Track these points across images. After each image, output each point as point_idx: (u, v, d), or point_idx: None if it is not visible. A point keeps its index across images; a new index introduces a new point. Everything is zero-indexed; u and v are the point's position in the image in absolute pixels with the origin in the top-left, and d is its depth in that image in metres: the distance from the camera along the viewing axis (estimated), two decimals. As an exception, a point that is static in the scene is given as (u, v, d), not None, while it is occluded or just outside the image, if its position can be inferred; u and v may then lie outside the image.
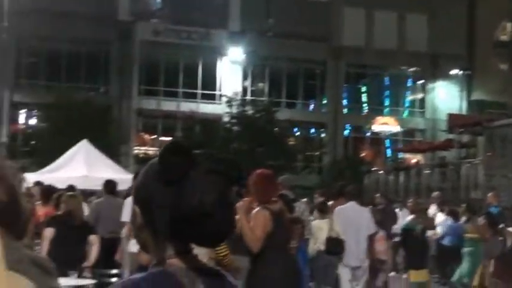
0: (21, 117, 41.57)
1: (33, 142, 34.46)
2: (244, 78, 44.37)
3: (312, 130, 46.73)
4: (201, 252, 1.95)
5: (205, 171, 1.90)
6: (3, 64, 36.96)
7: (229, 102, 37.32)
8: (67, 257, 7.67)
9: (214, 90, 43.61)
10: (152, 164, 1.99)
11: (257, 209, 6.45)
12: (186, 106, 39.66)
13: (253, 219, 6.40)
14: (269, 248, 6.32)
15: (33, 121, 39.85)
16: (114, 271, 9.75)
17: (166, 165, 1.90)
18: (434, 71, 45.98)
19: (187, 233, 1.90)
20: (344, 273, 10.44)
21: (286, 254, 6.50)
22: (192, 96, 42.91)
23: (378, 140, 45.15)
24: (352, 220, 10.23)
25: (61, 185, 12.97)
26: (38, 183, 13.26)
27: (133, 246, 8.97)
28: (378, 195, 20.32)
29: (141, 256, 6.25)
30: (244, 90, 43.35)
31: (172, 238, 1.92)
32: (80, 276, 7.99)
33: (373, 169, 34.56)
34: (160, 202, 1.90)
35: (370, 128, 44.52)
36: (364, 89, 47.54)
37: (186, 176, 1.88)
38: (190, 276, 1.90)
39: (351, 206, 10.36)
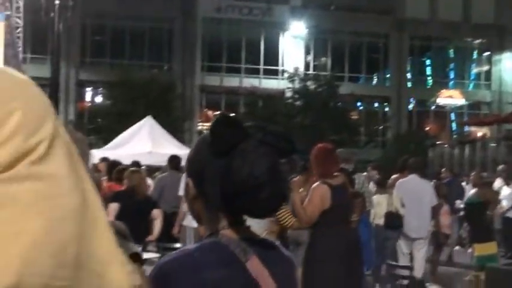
0: (88, 95, 42.35)
1: (99, 120, 34.98)
2: (307, 53, 44.21)
3: (376, 104, 46.36)
4: (259, 226, 1.97)
5: (256, 143, 1.91)
6: (69, 43, 37.57)
7: (292, 77, 37.25)
8: (131, 232, 7.80)
9: (277, 65, 43.57)
10: (204, 137, 2.01)
11: (316, 183, 6.46)
12: (249, 82, 39.77)
13: (310, 193, 6.42)
14: (329, 222, 6.33)
15: (98, 99, 40.48)
16: (178, 245, 9.88)
17: (217, 137, 1.92)
18: (501, 42, 45.01)
19: (238, 204, 1.92)
20: (404, 246, 10.43)
21: (347, 227, 6.48)
22: (254, 72, 43.00)
23: (442, 113, 44.50)
24: (413, 193, 10.23)
25: (126, 160, 13.14)
26: (104, 159, 13.47)
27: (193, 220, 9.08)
28: (443, 169, 20.09)
29: (200, 229, 6.33)
30: (307, 65, 43.22)
31: (224, 210, 1.95)
32: (144, 250, 8.12)
33: (437, 143, 34.16)
34: (212, 174, 1.92)
35: (434, 102, 43.88)
36: (428, 61, 46.91)
37: (236, 148, 1.89)
38: (242, 246, 1.92)
39: (413, 178, 10.36)
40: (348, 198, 6.53)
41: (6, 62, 17.43)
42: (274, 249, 2.05)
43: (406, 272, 9.33)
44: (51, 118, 1.39)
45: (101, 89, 39.23)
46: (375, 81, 47.16)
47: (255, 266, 1.91)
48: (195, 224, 8.83)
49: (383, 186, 11.43)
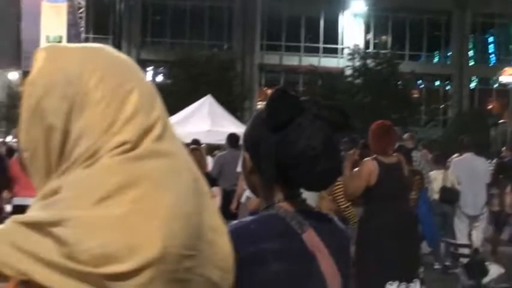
0: (148, 75, 42.79)
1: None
2: (367, 31, 43.82)
3: (437, 82, 45.75)
4: (312, 198, 2.00)
5: (311, 117, 1.93)
6: (131, 23, 37.94)
7: (352, 55, 36.98)
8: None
9: (336, 44, 43.32)
10: (260, 112, 2.05)
11: (368, 158, 6.49)
12: (308, 60, 39.61)
13: (359, 168, 6.44)
14: (380, 198, 6.33)
15: (159, 78, 40.85)
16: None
17: (273, 111, 1.95)
18: None
19: (293, 177, 1.94)
20: (460, 222, 10.40)
21: (400, 204, 6.45)
22: (314, 51, 42.83)
23: (505, 91, 43.56)
24: (468, 171, 10.25)
25: (186, 139, 13.25)
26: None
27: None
28: (503, 148, 19.79)
29: (250, 203, 6.40)
30: (367, 43, 42.82)
31: (280, 183, 1.98)
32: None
33: (500, 121, 33.56)
34: (268, 148, 1.95)
35: (497, 80, 43.04)
36: (491, 39, 45.98)
37: (292, 122, 1.92)
38: (298, 219, 1.95)
39: (469, 156, 10.37)
40: (401, 176, 6.49)
41: (69, 41, 17.72)
42: (329, 222, 2.07)
43: (465, 251, 9.27)
44: (158, 97, 1.48)
45: (162, 68, 39.61)
46: (436, 59, 46.48)
47: (311, 238, 1.94)
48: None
49: (439, 162, 11.42)
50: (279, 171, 1.95)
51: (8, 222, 1.33)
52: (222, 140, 13.95)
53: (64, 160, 1.40)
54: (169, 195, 1.36)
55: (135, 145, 1.39)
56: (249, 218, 2.04)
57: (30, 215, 1.33)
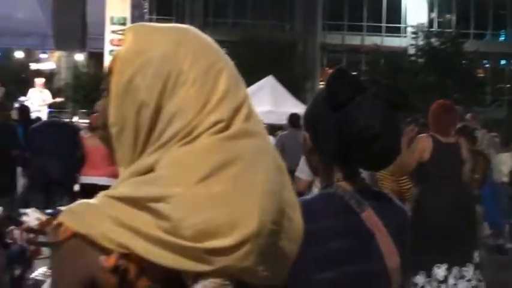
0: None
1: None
2: (430, 9, 43.11)
3: (502, 62, 44.80)
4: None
5: (371, 96, 1.95)
6: (193, 3, 38.12)
7: (415, 34, 36.46)
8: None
9: (399, 23, 42.76)
10: (320, 91, 2.07)
11: (423, 134, 6.44)
12: (371, 40, 39.22)
13: (413, 144, 6.39)
14: (433, 177, 6.28)
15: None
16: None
17: (333, 90, 1.97)
18: None
19: (353, 156, 1.97)
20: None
21: (455, 184, 6.36)
22: (376, 30, 42.38)
23: None
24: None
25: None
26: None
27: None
28: None
29: (298, 184, 6.41)
30: (431, 21, 42.14)
31: (340, 162, 2.00)
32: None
33: None
34: (328, 127, 1.97)
35: None
36: (560, 16, 44.81)
37: (352, 101, 1.94)
38: (357, 198, 1.97)
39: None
40: (457, 156, 6.40)
41: (133, 22, 17.92)
42: (388, 201, 2.08)
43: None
44: (241, 77, 1.53)
45: (224, 49, 39.68)
46: (501, 38, 45.49)
47: (369, 216, 1.96)
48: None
49: (506, 144, 11.25)
50: (338, 150, 1.97)
51: (102, 197, 1.38)
52: (283, 120, 13.97)
53: (154, 137, 1.43)
54: (261, 173, 1.40)
55: (228, 124, 1.42)
56: (308, 197, 2.07)
57: (125, 190, 1.37)
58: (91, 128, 9.63)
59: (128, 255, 1.32)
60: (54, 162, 9.57)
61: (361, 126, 1.92)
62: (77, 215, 1.36)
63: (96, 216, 1.34)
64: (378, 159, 1.99)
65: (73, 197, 11.10)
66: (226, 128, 1.42)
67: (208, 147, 1.39)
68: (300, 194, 1.82)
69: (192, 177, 1.34)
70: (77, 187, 10.64)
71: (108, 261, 1.32)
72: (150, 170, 1.39)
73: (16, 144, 9.27)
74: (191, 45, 1.49)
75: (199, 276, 1.33)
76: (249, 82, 21.89)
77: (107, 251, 1.33)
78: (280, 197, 1.42)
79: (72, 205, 1.41)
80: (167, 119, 1.42)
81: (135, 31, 1.51)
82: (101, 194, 1.39)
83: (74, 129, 10.56)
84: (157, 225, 1.31)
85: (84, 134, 9.89)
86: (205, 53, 1.49)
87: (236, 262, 1.33)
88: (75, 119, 21.34)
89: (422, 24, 38.04)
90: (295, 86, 26.84)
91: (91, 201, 1.38)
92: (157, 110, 1.43)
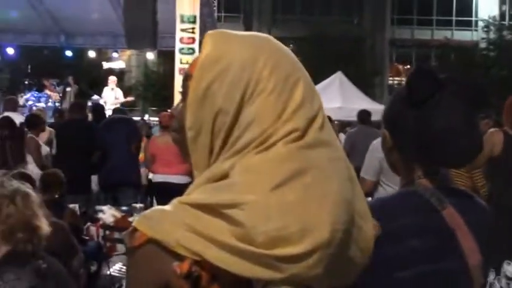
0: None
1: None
2: (502, 2, 42.25)
3: None
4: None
5: (451, 94, 1.93)
6: (261, 1, 38.21)
7: (487, 27, 35.80)
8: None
9: (470, 16, 42.04)
10: (400, 89, 2.06)
11: (494, 129, 6.32)
12: (440, 34, 38.68)
13: (484, 138, 6.27)
14: (505, 173, 6.17)
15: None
16: (368, 198, 9.95)
17: (414, 87, 1.96)
18: None
19: (433, 154, 1.95)
20: None
21: None
22: (446, 24, 41.77)
23: None
24: None
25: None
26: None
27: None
28: None
29: (364, 183, 6.36)
30: (502, 15, 41.30)
31: (420, 160, 1.99)
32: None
33: None
34: (408, 125, 1.96)
35: None
36: None
37: (432, 98, 1.92)
38: (438, 195, 1.95)
39: None
40: None
41: (202, 20, 18.06)
42: (470, 199, 2.06)
43: None
44: (315, 87, 1.56)
45: (291, 45, 39.75)
46: None
47: (450, 214, 1.93)
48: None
49: None
50: (419, 148, 1.96)
51: (175, 203, 1.40)
52: (353, 116, 13.91)
53: (229, 143, 1.45)
54: (334, 183, 1.41)
55: (303, 133, 1.44)
56: (388, 195, 2.06)
57: (200, 197, 1.39)
58: (162, 126, 9.77)
59: (200, 262, 1.34)
60: (122, 158, 9.76)
61: (441, 124, 1.91)
62: (153, 221, 1.39)
63: (171, 223, 1.37)
64: (458, 158, 1.97)
65: (145, 194, 11.31)
66: (301, 137, 1.43)
67: (283, 156, 1.40)
68: (365, 195, 1.83)
69: (266, 185, 1.36)
70: (147, 184, 10.81)
71: (182, 268, 1.35)
72: (224, 176, 1.41)
73: (94, 143, 9.46)
74: (270, 53, 1.50)
75: (269, 283, 1.35)
76: (318, 78, 21.99)
77: (180, 258, 1.35)
78: (351, 206, 1.43)
79: (147, 211, 1.44)
80: (244, 126, 1.44)
81: (214, 37, 1.53)
82: (176, 200, 1.41)
83: (134, 123, 10.85)
84: (231, 232, 1.33)
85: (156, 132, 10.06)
86: (284, 63, 1.50)
87: (306, 270, 1.34)
88: (146, 117, 21.66)
89: (494, 17, 37.35)
90: (363, 82, 26.68)
91: (166, 207, 1.41)
92: (235, 117, 1.44)
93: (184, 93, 1.54)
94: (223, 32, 1.56)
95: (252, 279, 1.35)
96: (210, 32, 1.56)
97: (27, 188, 3.17)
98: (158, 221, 1.38)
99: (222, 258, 1.33)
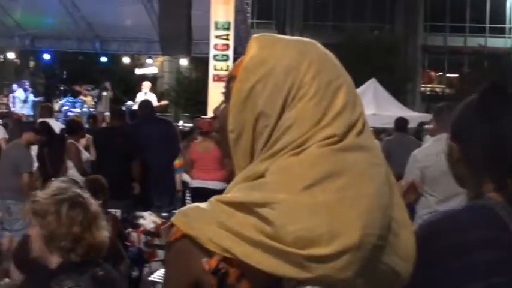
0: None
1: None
2: (537, 9, 41.93)
3: None
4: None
5: (523, 107, 1.91)
6: (293, 7, 38.25)
7: (521, 34, 35.52)
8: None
9: (504, 23, 41.72)
10: (470, 101, 2.05)
11: None
12: (473, 41, 38.43)
13: None
14: None
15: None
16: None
17: (486, 101, 1.95)
18: None
19: (505, 168, 1.93)
20: None
21: None
22: (479, 31, 41.46)
23: None
24: None
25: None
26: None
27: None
28: None
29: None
30: (537, 21, 40.99)
31: (490, 173, 1.97)
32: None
33: None
34: (479, 138, 1.95)
35: None
36: None
37: (505, 112, 1.92)
38: (508, 209, 1.92)
39: None
40: None
41: (237, 27, 18.09)
42: (539, 213, 2.05)
43: None
44: (358, 93, 1.56)
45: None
46: None
47: (521, 228, 1.91)
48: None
49: None
50: (491, 161, 1.95)
51: (212, 201, 1.43)
52: (387, 123, 13.90)
53: (268, 145, 1.47)
54: (369, 187, 1.42)
55: (341, 139, 1.45)
56: (456, 208, 2.05)
57: (235, 195, 1.42)
58: (202, 133, 9.82)
59: (230, 259, 1.36)
60: (160, 160, 9.79)
61: None
62: (189, 218, 1.42)
63: (205, 220, 1.39)
64: None
65: (183, 199, 11.36)
66: (339, 141, 1.44)
67: (317, 157, 1.41)
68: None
69: (297, 185, 1.37)
70: (184, 189, 10.85)
71: (210, 264, 1.38)
72: (260, 176, 1.43)
73: (133, 149, 9.49)
74: (314, 59, 1.51)
75: (299, 283, 1.36)
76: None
77: (210, 254, 1.38)
78: (387, 212, 1.43)
79: (185, 208, 1.47)
80: (283, 129, 1.45)
81: (260, 40, 1.54)
82: (213, 198, 1.44)
83: (171, 124, 10.90)
84: (261, 230, 1.35)
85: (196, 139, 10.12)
86: (327, 68, 1.51)
87: (335, 272, 1.35)
88: (180, 123, 21.74)
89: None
90: (396, 89, 26.56)
91: (202, 205, 1.44)
92: (276, 121, 1.46)
93: (227, 94, 1.56)
94: (268, 36, 1.58)
95: (283, 278, 1.36)
96: (255, 35, 1.58)
97: (85, 193, 3.22)
98: (194, 217, 1.41)
99: (249, 254, 1.35)
